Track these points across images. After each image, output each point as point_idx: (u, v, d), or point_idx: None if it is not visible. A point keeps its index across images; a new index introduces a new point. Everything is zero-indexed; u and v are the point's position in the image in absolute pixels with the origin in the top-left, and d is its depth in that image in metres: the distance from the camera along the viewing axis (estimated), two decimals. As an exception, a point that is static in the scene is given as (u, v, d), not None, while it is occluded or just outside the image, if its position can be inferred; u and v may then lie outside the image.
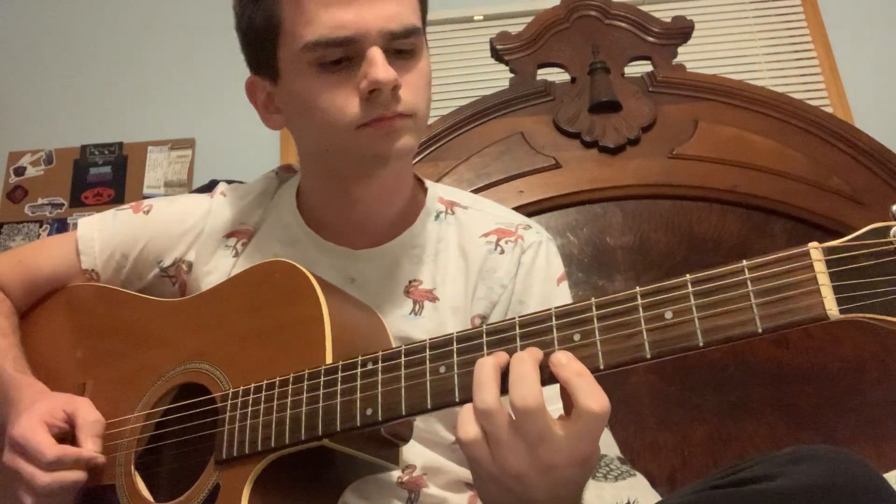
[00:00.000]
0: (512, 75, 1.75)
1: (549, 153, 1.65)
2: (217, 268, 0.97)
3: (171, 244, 1.01)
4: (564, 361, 0.62)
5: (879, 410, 1.47)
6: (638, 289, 0.61)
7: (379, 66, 0.83)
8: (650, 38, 1.76)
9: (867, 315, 0.54)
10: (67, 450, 0.84)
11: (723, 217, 1.62)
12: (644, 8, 1.83)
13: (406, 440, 0.80)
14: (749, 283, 0.57)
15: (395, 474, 0.89)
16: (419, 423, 0.90)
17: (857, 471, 0.63)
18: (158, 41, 3.08)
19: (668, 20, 1.78)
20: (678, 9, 2.82)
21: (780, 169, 1.61)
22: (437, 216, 1.00)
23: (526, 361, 0.62)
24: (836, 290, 0.55)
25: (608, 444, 1.38)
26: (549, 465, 0.61)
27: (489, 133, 1.68)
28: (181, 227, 1.02)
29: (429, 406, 0.68)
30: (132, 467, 0.86)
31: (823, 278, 0.55)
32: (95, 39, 3.09)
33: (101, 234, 1.04)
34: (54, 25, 3.15)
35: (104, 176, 2.98)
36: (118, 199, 2.95)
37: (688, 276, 0.59)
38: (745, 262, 0.58)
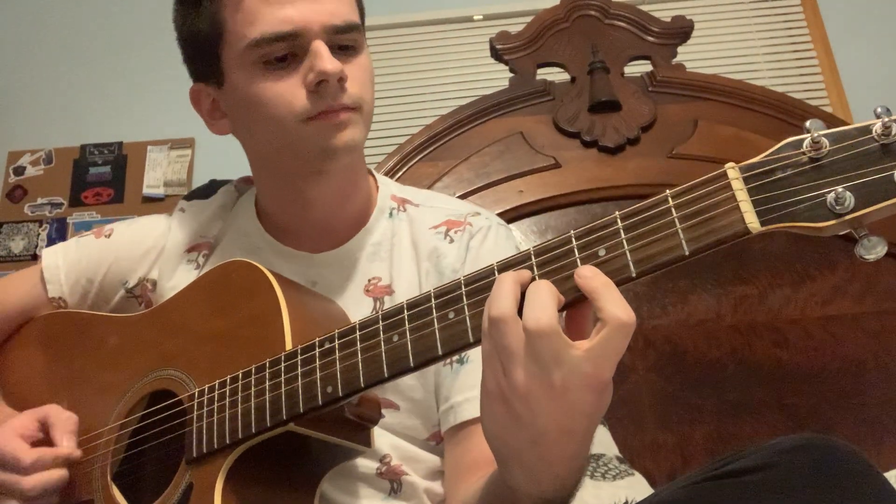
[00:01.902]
0: (512, 75, 1.75)
1: (549, 153, 1.65)
2: (181, 283, 0.97)
3: (134, 264, 1.03)
4: (590, 274, 0.59)
5: (879, 410, 1.47)
6: (572, 232, 0.62)
7: (325, 58, 0.85)
8: (650, 38, 1.76)
9: (787, 224, 0.55)
10: (43, 451, 0.85)
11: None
12: (644, 8, 1.83)
13: (374, 422, 0.80)
14: (673, 210, 0.59)
15: (374, 466, 0.90)
16: (394, 419, 0.91)
17: (849, 461, 0.63)
18: (158, 41, 3.08)
19: (668, 20, 1.78)
20: (678, 8, 2.82)
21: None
22: (391, 213, 1.01)
23: (542, 287, 0.59)
24: (756, 203, 0.56)
25: (606, 444, 1.38)
26: (562, 387, 0.57)
27: (489, 133, 1.68)
28: (142, 246, 1.03)
29: (386, 375, 0.68)
30: (108, 479, 0.86)
31: (742, 195, 0.57)
32: (95, 39, 3.09)
33: (65, 262, 1.04)
34: (54, 25, 3.15)
35: (104, 176, 2.98)
36: (118, 199, 2.94)
37: (617, 213, 0.61)
38: (668, 192, 0.59)
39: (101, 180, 2.97)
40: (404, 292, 0.94)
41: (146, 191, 2.94)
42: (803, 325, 1.54)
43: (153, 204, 2.89)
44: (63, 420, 0.88)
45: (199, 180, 2.84)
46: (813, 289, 1.56)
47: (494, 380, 0.60)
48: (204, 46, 0.92)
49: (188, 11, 0.94)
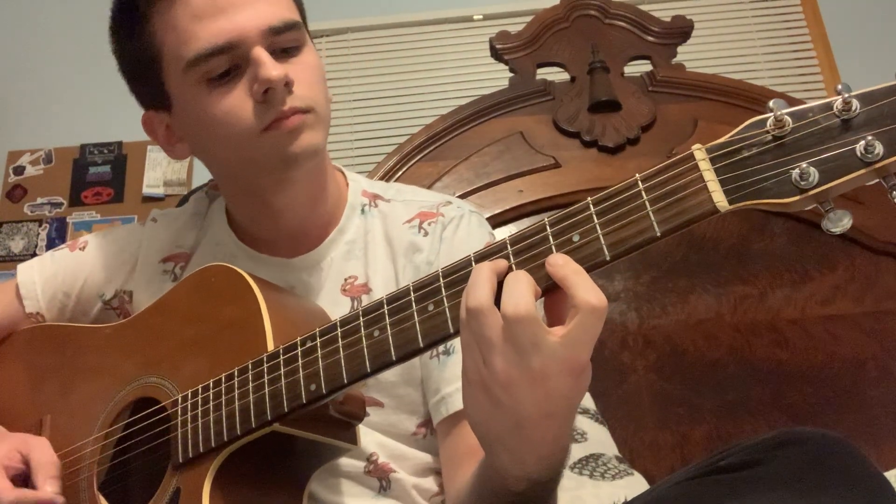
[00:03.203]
0: (511, 75, 1.75)
1: (549, 153, 1.65)
2: (157, 294, 0.96)
3: (110, 276, 1.02)
4: (561, 262, 0.60)
5: (879, 410, 1.47)
6: (546, 219, 0.63)
7: (267, 65, 0.83)
8: (650, 38, 1.76)
9: (755, 201, 0.57)
10: (25, 493, 0.84)
11: (722, 216, 1.61)
12: (644, 7, 1.83)
13: (359, 419, 0.80)
14: (644, 193, 0.60)
15: (361, 465, 0.90)
16: (379, 417, 0.91)
17: (842, 453, 0.63)
18: (158, 41, 3.08)
19: (668, 20, 1.78)
20: (678, 8, 2.82)
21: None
22: (363, 210, 1.00)
23: (520, 276, 0.61)
24: (723, 183, 0.58)
25: (606, 444, 1.38)
26: (541, 373, 0.58)
27: (489, 132, 1.68)
28: (118, 258, 1.03)
29: (368, 369, 0.69)
30: (95, 490, 0.86)
31: (709, 175, 0.58)
32: (95, 39, 3.08)
33: (41, 277, 1.03)
34: (53, 25, 3.15)
35: (104, 175, 2.98)
36: (118, 199, 2.94)
37: (589, 199, 0.62)
38: (637, 176, 0.61)
39: (101, 180, 2.97)
40: (381, 290, 0.94)
41: (146, 190, 2.94)
42: (803, 325, 1.54)
43: (153, 203, 2.89)
44: (46, 465, 0.86)
45: (199, 180, 2.84)
46: (813, 289, 1.56)
47: (475, 368, 0.62)
48: (146, 73, 0.90)
49: (123, 41, 0.92)
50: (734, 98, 1.70)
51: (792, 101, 0.59)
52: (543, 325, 0.59)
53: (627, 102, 1.67)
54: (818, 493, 0.60)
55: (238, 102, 0.84)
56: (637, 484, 1.30)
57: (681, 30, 1.77)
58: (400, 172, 1.63)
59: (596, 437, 1.35)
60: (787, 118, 0.56)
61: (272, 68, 0.82)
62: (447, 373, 0.90)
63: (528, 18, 1.81)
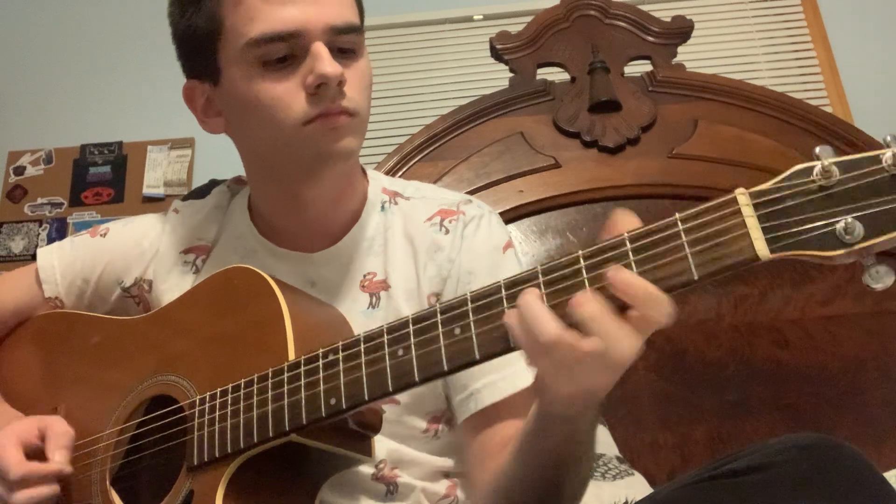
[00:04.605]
0: (512, 75, 1.75)
1: (549, 153, 1.65)
2: (177, 284, 0.97)
3: (129, 264, 1.02)
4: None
5: (879, 410, 1.47)
6: (580, 252, 0.62)
7: (325, 60, 0.84)
8: (650, 38, 1.76)
9: (797, 252, 0.55)
10: (32, 467, 0.84)
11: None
12: (644, 7, 1.84)
13: (376, 430, 0.80)
14: (683, 234, 0.59)
15: (370, 470, 0.90)
16: (394, 414, 0.91)
17: (847, 458, 0.63)
18: (158, 41, 3.08)
19: (668, 20, 1.78)
20: (678, 8, 2.82)
21: (780, 168, 1.59)
22: (383, 207, 1.01)
23: (591, 300, 0.60)
24: (766, 231, 0.56)
25: (606, 444, 1.38)
26: (620, 365, 0.65)
27: (489, 133, 1.68)
28: (138, 247, 1.03)
29: (390, 388, 0.68)
30: (107, 484, 0.86)
31: (752, 221, 0.56)
32: (95, 39, 3.09)
33: (60, 262, 1.04)
34: (53, 25, 3.15)
35: (104, 175, 2.97)
36: (118, 199, 2.94)
37: (625, 234, 0.60)
38: (677, 215, 0.60)
39: (101, 180, 2.97)
40: (400, 287, 0.94)
41: (146, 191, 2.94)
42: (803, 325, 1.54)
43: (153, 204, 2.89)
44: (59, 434, 0.87)
45: (199, 180, 2.84)
46: (813, 289, 1.56)
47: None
48: (201, 43, 0.91)
49: (186, 7, 0.93)
50: (734, 98, 1.70)
51: (843, 138, 0.58)
52: (614, 326, 0.62)
53: (627, 102, 1.67)
54: (828, 497, 0.60)
55: (289, 90, 0.86)
56: (638, 484, 1.30)
57: (681, 30, 1.77)
58: (400, 172, 1.64)
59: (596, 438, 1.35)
60: (835, 168, 0.55)
61: (329, 65, 0.84)
62: (476, 368, 0.90)
63: (528, 18, 1.81)
